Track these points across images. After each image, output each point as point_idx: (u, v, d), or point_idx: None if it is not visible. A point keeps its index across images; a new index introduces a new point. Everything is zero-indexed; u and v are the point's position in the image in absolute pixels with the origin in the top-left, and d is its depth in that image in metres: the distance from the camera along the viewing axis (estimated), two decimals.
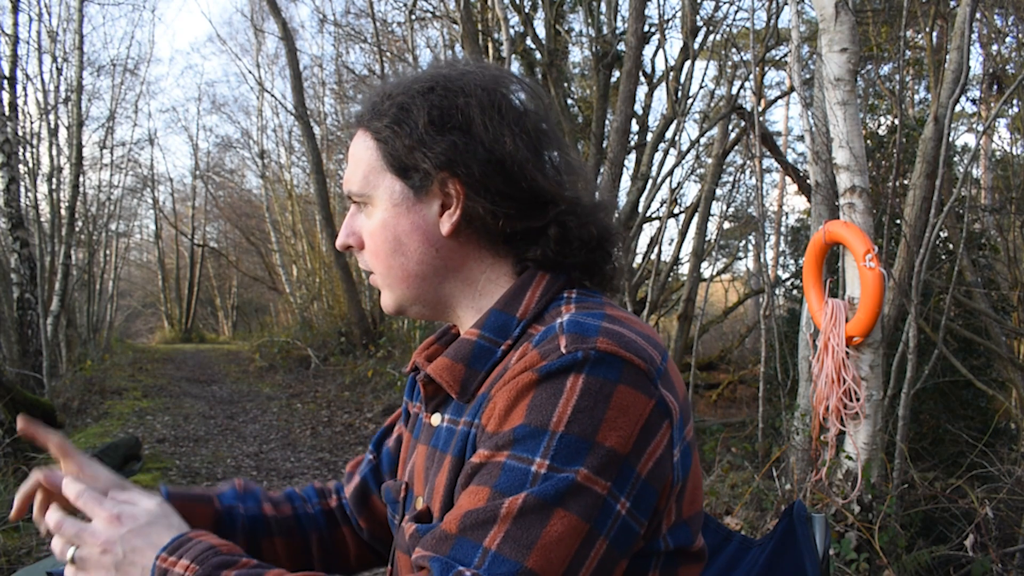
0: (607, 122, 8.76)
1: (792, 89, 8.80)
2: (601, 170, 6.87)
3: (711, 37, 8.74)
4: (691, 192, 16.93)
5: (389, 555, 1.04)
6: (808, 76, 6.82)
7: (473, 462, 0.75)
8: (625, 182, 8.73)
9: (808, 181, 4.91)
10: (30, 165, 9.65)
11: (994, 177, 8.64)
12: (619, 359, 0.73)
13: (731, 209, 13.71)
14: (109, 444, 5.38)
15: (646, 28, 8.12)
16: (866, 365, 3.17)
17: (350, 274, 12.18)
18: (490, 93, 0.87)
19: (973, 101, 7.24)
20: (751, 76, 6.56)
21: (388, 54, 11.36)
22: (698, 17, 8.04)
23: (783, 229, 14.33)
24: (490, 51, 9.00)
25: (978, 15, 5.51)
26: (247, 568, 0.76)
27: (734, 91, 8.60)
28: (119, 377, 10.42)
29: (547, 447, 0.71)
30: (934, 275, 5.18)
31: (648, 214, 9.52)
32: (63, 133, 10.43)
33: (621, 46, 8.76)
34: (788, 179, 12.93)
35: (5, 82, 7.59)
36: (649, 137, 8.89)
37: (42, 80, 9.78)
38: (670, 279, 11.31)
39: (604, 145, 7.87)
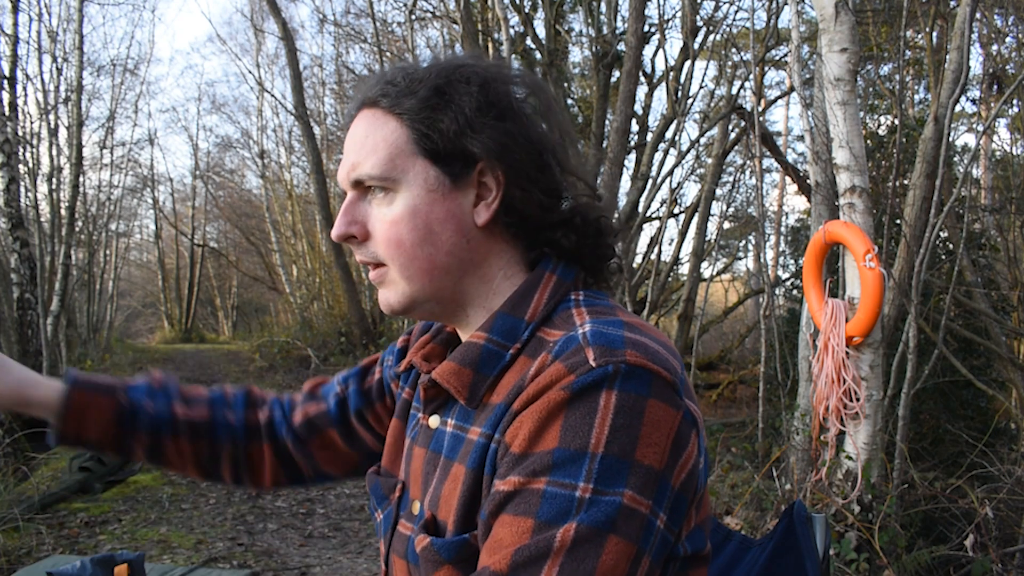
0: (607, 122, 8.78)
1: (792, 89, 8.80)
2: (601, 170, 6.87)
3: (711, 37, 8.76)
4: (691, 192, 16.91)
5: (308, 480, 1.12)
6: (808, 76, 6.82)
7: (504, 489, 0.72)
8: (625, 182, 8.74)
9: (808, 181, 4.92)
10: (30, 165, 9.67)
11: (994, 177, 8.64)
12: (648, 372, 0.72)
13: (731, 209, 13.74)
14: None
15: (646, 28, 8.13)
16: (866, 365, 3.17)
17: (350, 274, 12.18)
18: (527, 84, 0.87)
19: (973, 101, 7.25)
20: (751, 76, 6.57)
21: (388, 54, 11.38)
22: (698, 17, 8.05)
23: (783, 229, 14.36)
24: (490, 51, 8.99)
25: (978, 15, 5.51)
26: None
27: (734, 91, 8.63)
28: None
29: (589, 470, 0.68)
30: (934, 275, 5.18)
31: (648, 214, 9.53)
32: (63, 133, 10.45)
33: (621, 46, 8.76)
34: (788, 179, 12.94)
35: (5, 82, 7.60)
36: (649, 137, 8.90)
37: (42, 80, 9.82)
38: (670, 279, 11.32)
39: (604, 145, 7.87)
